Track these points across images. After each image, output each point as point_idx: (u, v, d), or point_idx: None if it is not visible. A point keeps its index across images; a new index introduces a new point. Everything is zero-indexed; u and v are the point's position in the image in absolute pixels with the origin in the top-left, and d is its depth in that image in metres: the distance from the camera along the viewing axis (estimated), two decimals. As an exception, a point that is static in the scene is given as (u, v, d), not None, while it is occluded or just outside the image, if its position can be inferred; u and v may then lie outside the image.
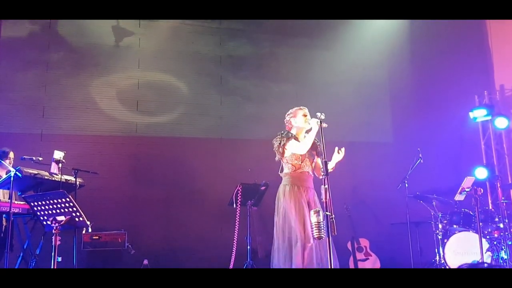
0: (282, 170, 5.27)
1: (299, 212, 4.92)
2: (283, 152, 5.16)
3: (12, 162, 6.01)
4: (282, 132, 5.29)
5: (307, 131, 5.16)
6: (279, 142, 5.18)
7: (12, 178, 5.31)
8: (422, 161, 6.94)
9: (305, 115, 5.24)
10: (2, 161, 5.84)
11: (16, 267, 5.80)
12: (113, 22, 8.20)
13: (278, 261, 5.00)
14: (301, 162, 5.11)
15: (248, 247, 6.76)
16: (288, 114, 5.37)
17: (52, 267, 4.12)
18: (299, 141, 5.15)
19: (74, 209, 4.30)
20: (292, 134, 5.23)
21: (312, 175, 5.21)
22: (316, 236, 4.16)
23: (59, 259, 4.30)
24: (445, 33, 9.12)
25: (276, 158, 5.28)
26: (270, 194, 7.22)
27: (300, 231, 4.86)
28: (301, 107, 5.32)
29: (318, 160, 5.21)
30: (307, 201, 5.01)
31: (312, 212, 4.23)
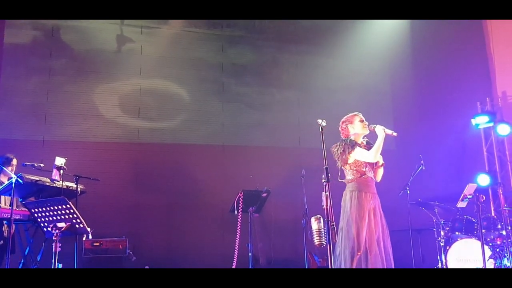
0: (343, 177, 5.20)
1: (359, 219, 4.89)
2: (347, 160, 5.06)
3: (15, 168, 6.02)
4: (345, 139, 5.18)
5: (364, 137, 5.22)
6: (342, 149, 5.08)
7: (13, 185, 5.31)
8: (424, 167, 6.90)
9: (362, 121, 5.22)
10: (4, 168, 5.84)
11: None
12: (115, 29, 8.24)
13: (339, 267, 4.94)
14: (365, 168, 5.08)
15: (250, 254, 6.75)
16: (344, 122, 5.29)
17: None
18: (362, 149, 5.12)
19: (75, 215, 4.30)
20: (355, 142, 5.15)
21: (375, 180, 5.18)
22: (317, 243, 4.14)
23: (60, 265, 4.29)
24: (447, 39, 9.12)
25: (338, 165, 5.17)
26: (271, 201, 7.24)
27: (354, 239, 4.84)
28: (356, 113, 5.29)
29: (379, 165, 5.19)
30: (372, 208, 4.99)
31: (313, 219, 4.22)
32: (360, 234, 4.83)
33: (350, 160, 5.06)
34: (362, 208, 4.93)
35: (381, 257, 4.88)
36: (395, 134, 5.10)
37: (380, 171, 5.20)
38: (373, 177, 5.15)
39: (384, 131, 5.04)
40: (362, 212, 4.92)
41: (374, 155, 5.01)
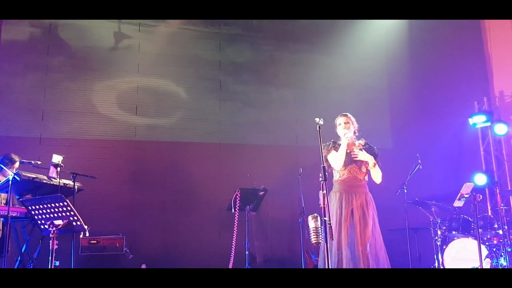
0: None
1: (339, 219, 4.95)
2: (327, 161, 5.17)
3: (15, 170, 5.99)
4: (328, 142, 5.27)
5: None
6: (322, 151, 5.13)
7: (10, 182, 5.30)
8: (421, 167, 6.92)
9: (340, 124, 5.20)
10: (5, 168, 5.82)
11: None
12: (113, 26, 8.22)
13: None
14: (345, 169, 5.13)
15: (247, 252, 6.74)
16: None
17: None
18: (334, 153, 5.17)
19: (72, 213, 4.29)
20: (333, 144, 5.20)
21: (364, 180, 5.18)
22: (314, 241, 4.15)
23: (57, 263, 4.29)
24: (445, 39, 9.14)
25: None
26: (268, 199, 7.24)
27: (334, 238, 4.88)
28: (341, 114, 5.30)
29: (371, 166, 5.17)
30: (355, 207, 4.99)
31: (310, 217, 4.23)
32: (339, 234, 4.85)
33: (330, 163, 5.16)
34: (341, 208, 4.98)
35: (368, 256, 4.82)
36: (348, 137, 5.09)
37: (374, 172, 5.19)
38: (360, 177, 5.14)
39: (345, 137, 5.07)
40: (340, 211, 4.96)
41: (335, 161, 5.09)
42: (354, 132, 5.31)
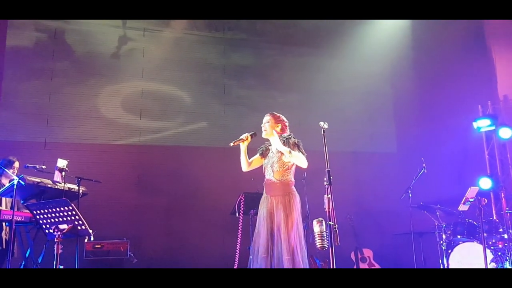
0: None
1: (259, 223, 4.91)
2: None
3: (17, 171, 6.02)
4: None
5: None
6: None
7: (15, 186, 5.30)
8: (426, 171, 6.91)
9: (262, 123, 5.17)
10: (6, 170, 5.84)
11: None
12: (118, 31, 8.25)
13: None
14: (264, 172, 5.13)
15: (250, 256, 6.72)
16: None
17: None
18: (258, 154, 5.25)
19: (77, 217, 4.29)
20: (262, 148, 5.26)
21: (280, 181, 4.99)
22: (319, 246, 4.13)
23: (61, 267, 4.28)
24: (449, 43, 9.12)
25: None
26: (273, 203, 7.20)
27: (254, 242, 4.90)
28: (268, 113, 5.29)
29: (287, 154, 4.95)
30: (270, 212, 4.84)
31: (315, 221, 4.21)
32: (256, 238, 4.84)
33: None
34: (262, 213, 4.91)
35: (273, 260, 4.69)
36: (231, 144, 5.09)
37: (295, 159, 4.98)
38: (275, 178, 4.98)
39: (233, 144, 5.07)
40: (261, 216, 4.90)
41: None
42: (284, 130, 5.25)
